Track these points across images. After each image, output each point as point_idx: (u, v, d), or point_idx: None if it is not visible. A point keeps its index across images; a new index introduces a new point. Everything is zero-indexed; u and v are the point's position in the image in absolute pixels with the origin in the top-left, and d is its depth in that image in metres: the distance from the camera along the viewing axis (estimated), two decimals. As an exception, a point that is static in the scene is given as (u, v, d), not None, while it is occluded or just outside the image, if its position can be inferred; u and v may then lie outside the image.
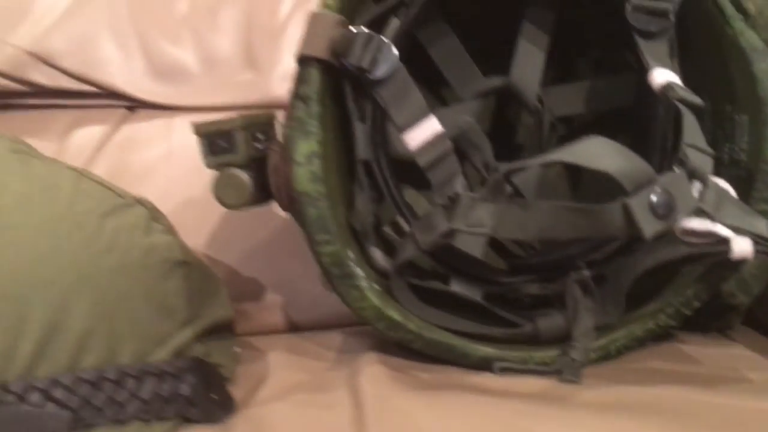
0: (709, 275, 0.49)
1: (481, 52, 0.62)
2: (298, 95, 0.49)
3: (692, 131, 0.45)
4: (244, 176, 0.51)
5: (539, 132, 0.62)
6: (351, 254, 0.49)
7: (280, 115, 0.57)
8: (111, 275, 0.44)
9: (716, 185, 0.44)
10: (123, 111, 0.75)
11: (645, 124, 0.54)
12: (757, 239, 0.43)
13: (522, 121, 0.66)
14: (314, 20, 0.49)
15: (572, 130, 0.64)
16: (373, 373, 0.48)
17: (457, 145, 0.52)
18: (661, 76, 0.47)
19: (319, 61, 0.48)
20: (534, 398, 0.43)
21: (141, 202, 0.49)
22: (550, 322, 0.51)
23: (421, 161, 0.50)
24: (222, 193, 0.52)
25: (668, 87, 0.46)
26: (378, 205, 0.55)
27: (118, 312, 0.43)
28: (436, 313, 0.52)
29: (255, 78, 0.75)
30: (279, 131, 0.55)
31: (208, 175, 0.72)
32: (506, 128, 0.66)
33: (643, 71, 0.49)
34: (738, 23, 0.48)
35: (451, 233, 0.47)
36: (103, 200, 0.47)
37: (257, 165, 0.52)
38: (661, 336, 0.52)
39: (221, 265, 0.67)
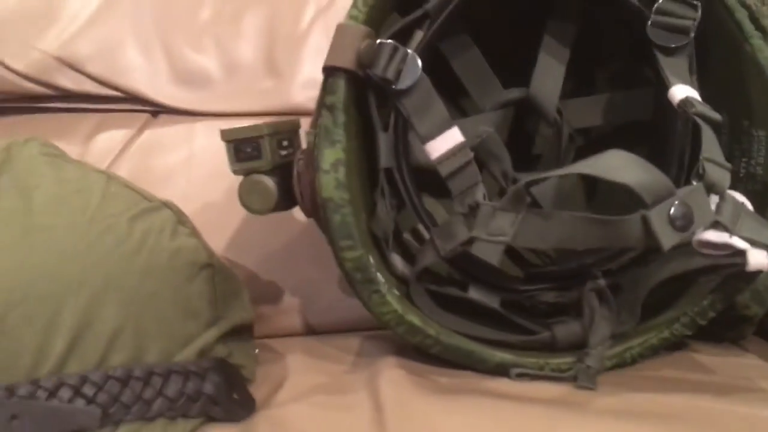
0: (724, 286, 0.49)
1: (502, 64, 0.63)
2: (324, 104, 0.50)
3: (710, 145, 0.46)
4: (269, 182, 0.52)
5: (558, 143, 0.62)
6: (372, 260, 0.50)
7: (302, 123, 0.58)
8: (139, 277, 0.45)
9: (733, 198, 0.45)
10: (146, 116, 0.77)
11: (663, 138, 0.55)
12: (772, 251, 0.44)
13: (540, 133, 0.67)
14: (341, 32, 0.50)
15: (590, 141, 0.65)
16: (392, 376, 0.49)
17: (477, 154, 0.53)
18: (681, 91, 0.48)
19: (345, 72, 0.49)
20: (550, 404, 0.44)
21: (167, 205, 0.50)
22: (566, 329, 0.52)
23: (443, 171, 0.51)
24: (248, 198, 0.53)
25: (687, 102, 0.47)
26: (398, 213, 0.56)
27: (146, 312, 0.44)
28: (454, 319, 0.53)
29: (276, 85, 0.76)
30: (302, 139, 0.56)
31: (229, 180, 0.73)
32: (524, 139, 0.67)
33: (661, 86, 0.50)
34: (756, 40, 0.48)
35: (470, 241, 0.48)
36: (132, 203, 0.48)
37: (282, 172, 0.54)
38: (675, 345, 0.52)
39: (240, 268, 0.68)
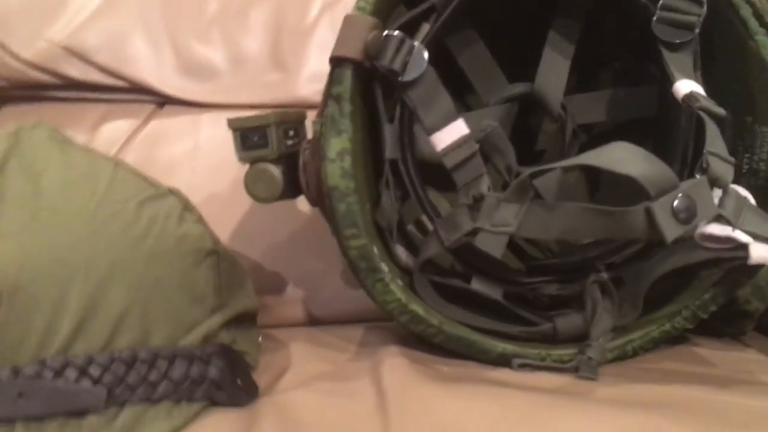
0: (726, 280, 0.50)
1: (506, 59, 0.63)
2: (330, 95, 0.50)
3: (714, 140, 0.46)
4: (275, 171, 0.52)
5: (561, 138, 0.63)
6: (376, 250, 0.51)
7: (308, 116, 0.59)
8: (146, 261, 0.45)
9: (736, 192, 0.45)
10: (152, 106, 0.77)
11: (666, 134, 0.56)
12: (775, 245, 0.44)
13: (543, 129, 0.68)
14: (349, 22, 0.50)
15: (592, 138, 0.65)
16: (395, 364, 0.49)
17: (481, 148, 0.54)
18: (685, 86, 0.48)
19: (352, 62, 0.49)
20: (552, 392, 0.45)
21: (174, 192, 0.51)
22: (568, 321, 0.52)
23: (448, 162, 0.52)
24: (253, 187, 0.53)
25: (692, 97, 0.47)
26: (402, 205, 0.56)
27: (152, 296, 0.45)
28: (456, 310, 0.53)
29: (282, 78, 0.77)
30: (308, 130, 0.57)
31: (233, 171, 0.73)
32: (527, 135, 0.68)
33: (665, 82, 0.50)
34: (761, 37, 0.49)
35: (475, 232, 0.48)
36: (139, 190, 0.48)
37: (288, 161, 0.54)
38: (675, 339, 0.53)
39: (244, 258, 0.68)
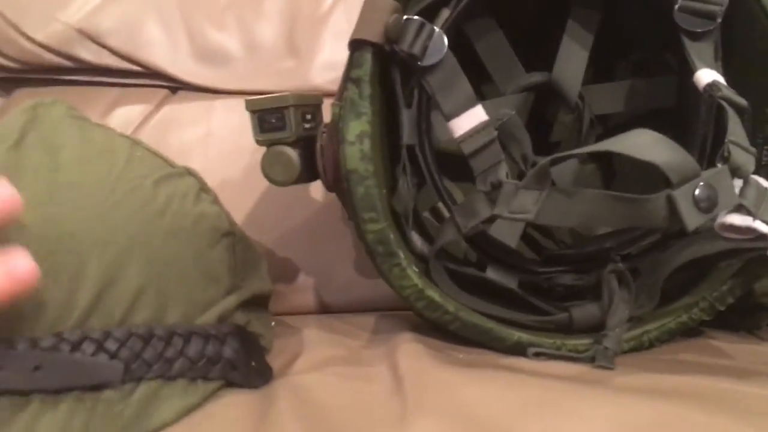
0: (744, 271, 0.50)
1: (524, 48, 0.63)
2: (350, 78, 0.50)
3: (735, 130, 0.46)
4: (293, 154, 0.52)
5: (578, 129, 0.63)
6: (392, 236, 0.50)
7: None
8: (163, 238, 0.45)
9: (757, 183, 0.45)
10: (165, 91, 0.77)
11: (684, 125, 0.55)
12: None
13: (559, 120, 0.67)
14: (370, 5, 0.50)
15: (607, 130, 0.65)
16: (410, 350, 0.49)
17: (497, 137, 0.53)
18: (707, 75, 0.48)
19: (372, 45, 0.49)
20: (569, 379, 0.44)
21: (190, 172, 0.50)
22: (583, 311, 0.52)
23: (466, 148, 0.51)
24: (270, 169, 0.53)
25: (714, 86, 0.47)
26: (417, 192, 0.56)
27: (169, 274, 0.44)
28: (471, 298, 0.53)
29: (295, 65, 0.77)
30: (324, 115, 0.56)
31: (246, 157, 0.74)
32: (543, 126, 0.68)
33: (684, 73, 0.50)
34: (783, 27, 0.49)
35: (492, 219, 0.48)
36: (156, 168, 0.48)
37: (305, 144, 0.54)
38: (691, 332, 0.53)
39: (256, 245, 0.68)
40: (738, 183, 0.44)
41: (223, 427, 0.40)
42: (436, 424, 0.37)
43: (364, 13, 0.50)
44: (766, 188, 0.45)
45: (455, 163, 0.58)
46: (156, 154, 0.49)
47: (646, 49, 0.63)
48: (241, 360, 0.46)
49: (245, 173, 0.72)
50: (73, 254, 0.41)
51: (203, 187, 0.50)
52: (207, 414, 0.42)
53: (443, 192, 0.55)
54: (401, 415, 0.39)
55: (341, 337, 0.56)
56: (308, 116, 0.54)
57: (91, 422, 0.39)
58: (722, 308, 0.50)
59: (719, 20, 0.49)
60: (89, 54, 0.75)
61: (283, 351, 0.53)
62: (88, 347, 0.40)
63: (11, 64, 0.76)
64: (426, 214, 0.58)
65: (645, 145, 0.43)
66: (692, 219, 0.42)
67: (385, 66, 0.51)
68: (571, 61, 0.60)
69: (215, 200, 0.50)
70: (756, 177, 0.45)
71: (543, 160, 0.46)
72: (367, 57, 0.49)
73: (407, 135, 0.53)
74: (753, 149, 0.46)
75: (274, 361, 0.50)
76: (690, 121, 0.54)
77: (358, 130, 0.49)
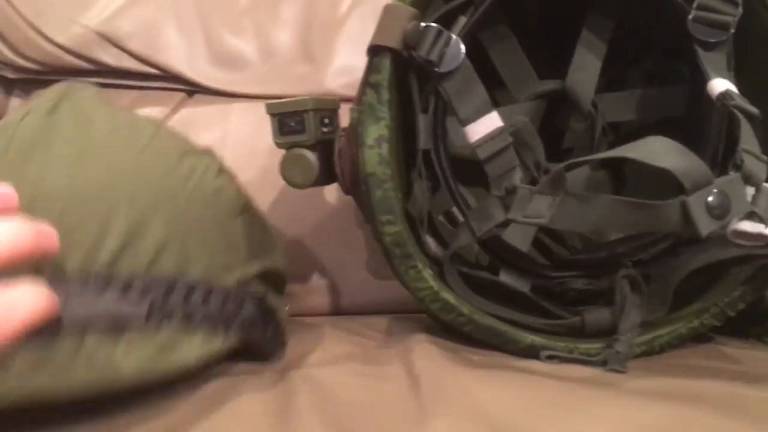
0: (756, 278, 0.50)
1: (536, 55, 0.64)
2: (368, 83, 0.51)
3: (748, 138, 0.46)
4: (312, 157, 0.53)
5: (590, 136, 0.63)
6: (409, 238, 0.51)
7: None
8: (187, 200, 0.46)
9: (769, 190, 0.45)
10: (182, 95, 0.78)
11: (695, 134, 0.56)
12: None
13: (571, 128, 0.68)
14: (389, 12, 0.51)
15: (618, 138, 0.66)
16: (425, 351, 0.49)
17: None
18: (720, 84, 0.49)
19: (391, 51, 0.50)
20: (582, 382, 0.45)
21: (210, 154, 0.52)
22: (595, 315, 0.53)
23: (482, 154, 0.52)
24: (289, 172, 0.54)
25: (726, 95, 0.48)
26: (431, 196, 0.57)
27: (191, 233, 0.46)
28: (484, 302, 0.54)
29: (311, 71, 0.78)
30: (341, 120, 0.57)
31: (262, 161, 0.74)
32: (554, 133, 0.68)
33: (696, 83, 0.50)
34: (794, 40, 0.49)
35: (506, 223, 0.49)
36: (179, 144, 0.50)
37: (323, 147, 0.55)
38: (701, 337, 0.53)
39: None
40: (750, 191, 0.45)
41: (244, 421, 0.40)
42: (453, 424, 0.38)
43: (383, 20, 0.51)
44: (777, 196, 0.46)
45: (468, 169, 0.59)
46: (179, 136, 0.51)
47: (659, 58, 0.64)
48: (258, 323, 0.47)
49: (260, 176, 0.73)
50: (101, 202, 0.42)
51: (222, 168, 0.51)
52: (227, 408, 0.42)
53: (458, 196, 0.55)
54: (418, 414, 0.40)
55: (355, 336, 0.56)
56: (326, 120, 0.55)
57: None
58: (733, 314, 0.51)
59: (732, 31, 0.50)
60: (109, 57, 0.77)
61: (297, 344, 0.53)
62: (115, 288, 0.41)
63: (31, 66, 0.77)
64: (440, 218, 0.59)
65: (659, 151, 0.44)
66: (705, 225, 0.42)
67: (402, 72, 0.52)
68: (585, 69, 0.61)
69: (233, 180, 0.52)
70: (768, 185, 0.46)
71: (558, 166, 0.47)
72: (386, 63, 0.50)
73: (423, 140, 0.54)
74: (765, 158, 0.47)
75: (289, 352, 0.51)
76: (701, 129, 0.55)
77: (377, 134, 0.50)
